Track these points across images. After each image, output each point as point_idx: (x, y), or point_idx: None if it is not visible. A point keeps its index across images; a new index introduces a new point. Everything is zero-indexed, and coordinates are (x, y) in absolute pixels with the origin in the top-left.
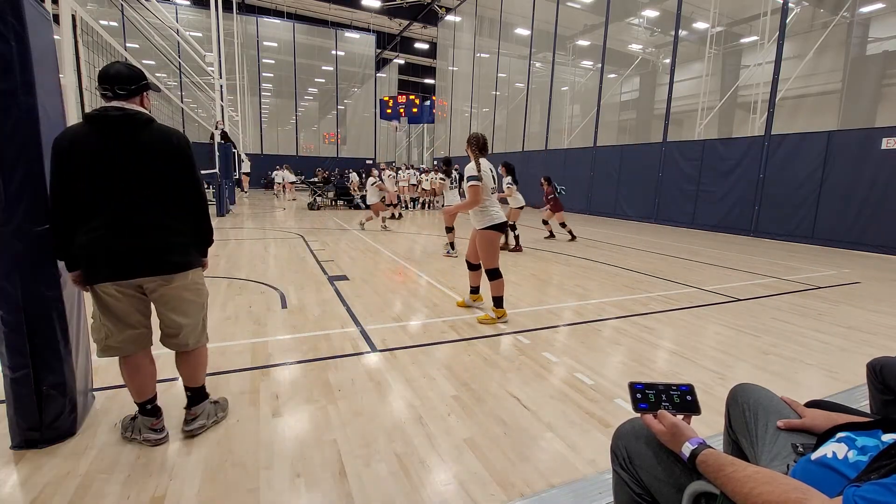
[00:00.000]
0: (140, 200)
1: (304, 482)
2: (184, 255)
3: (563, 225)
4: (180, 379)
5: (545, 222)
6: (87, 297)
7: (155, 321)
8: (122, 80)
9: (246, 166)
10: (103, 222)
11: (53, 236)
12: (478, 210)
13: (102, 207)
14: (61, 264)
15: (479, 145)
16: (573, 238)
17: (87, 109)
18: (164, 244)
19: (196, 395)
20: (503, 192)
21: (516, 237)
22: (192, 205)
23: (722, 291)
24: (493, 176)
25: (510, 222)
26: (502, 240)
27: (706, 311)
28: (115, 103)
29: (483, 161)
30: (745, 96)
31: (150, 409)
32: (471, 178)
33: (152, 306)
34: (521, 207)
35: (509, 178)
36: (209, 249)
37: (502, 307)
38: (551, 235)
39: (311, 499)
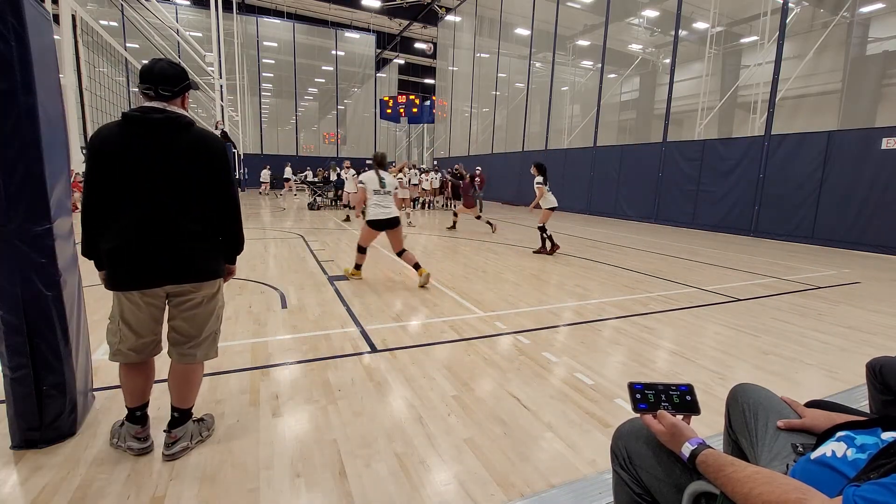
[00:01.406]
0: (170, 204)
1: (304, 482)
2: (211, 261)
3: (478, 217)
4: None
5: (455, 214)
6: (88, 297)
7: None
8: (166, 80)
9: (265, 175)
10: (131, 225)
11: (82, 235)
12: (366, 208)
13: (131, 210)
14: (61, 264)
15: (376, 161)
16: (493, 229)
17: (88, 109)
18: (193, 250)
19: (182, 416)
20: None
21: (549, 238)
22: (223, 211)
23: (722, 291)
24: (383, 183)
25: (540, 224)
26: (539, 245)
27: (706, 311)
28: (155, 104)
29: (382, 172)
30: (745, 96)
31: (138, 416)
32: (359, 182)
33: (166, 314)
34: (553, 209)
35: (540, 178)
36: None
37: (358, 269)
38: (454, 227)
39: (311, 499)
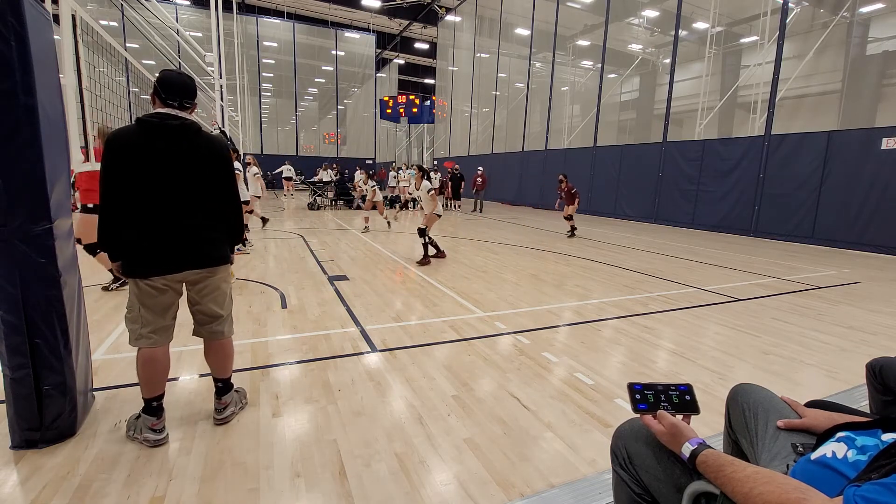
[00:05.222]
0: (190, 201)
1: (304, 482)
2: (223, 249)
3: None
4: (200, 375)
5: (568, 218)
6: (88, 297)
7: (186, 316)
8: (190, 94)
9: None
10: (156, 221)
11: (101, 228)
12: None
13: (155, 207)
14: (61, 264)
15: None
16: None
17: (88, 109)
18: (209, 240)
19: (225, 385)
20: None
21: (425, 245)
22: (228, 205)
23: (722, 291)
24: None
25: (423, 227)
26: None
27: (706, 311)
28: (170, 111)
29: None
30: (745, 96)
31: (155, 406)
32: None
33: (183, 301)
34: (440, 216)
35: (427, 184)
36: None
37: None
38: (574, 232)
39: (311, 499)
